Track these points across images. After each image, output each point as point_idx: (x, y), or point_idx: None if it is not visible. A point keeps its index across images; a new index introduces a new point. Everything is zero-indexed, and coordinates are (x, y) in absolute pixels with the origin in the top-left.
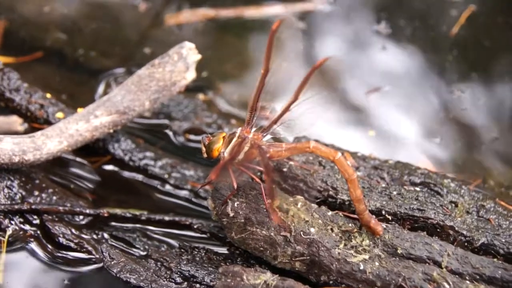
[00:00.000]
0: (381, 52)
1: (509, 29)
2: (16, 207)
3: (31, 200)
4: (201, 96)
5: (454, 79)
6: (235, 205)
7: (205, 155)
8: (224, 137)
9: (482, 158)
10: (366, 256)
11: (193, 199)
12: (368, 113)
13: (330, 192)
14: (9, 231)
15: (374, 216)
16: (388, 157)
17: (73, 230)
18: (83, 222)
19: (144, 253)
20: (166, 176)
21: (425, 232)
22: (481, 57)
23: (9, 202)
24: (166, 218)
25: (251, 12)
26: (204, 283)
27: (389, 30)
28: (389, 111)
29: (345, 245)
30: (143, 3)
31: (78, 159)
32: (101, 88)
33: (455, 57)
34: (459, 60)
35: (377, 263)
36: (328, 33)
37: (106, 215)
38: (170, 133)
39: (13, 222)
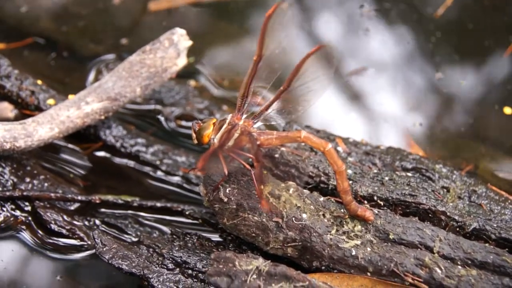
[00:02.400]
0: (365, 35)
1: (494, 11)
2: (7, 193)
3: (22, 187)
4: (192, 82)
5: (436, 61)
6: (227, 191)
7: (195, 141)
8: (214, 123)
9: (462, 140)
10: (358, 242)
11: (185, 185)
12: (350, 95)
13: (322, 178)
14: (0, 218)
15: (365, 204)
16: (369, 139)
17: (65, 217)
18: (75, 209)
19: (136, 239)
20: (157, 162)
21: (417, 218)
22: (464, 39)
23: (0, 189)
24: (158, 204)
25: None
26: (196, 269)
27: (374, 12)
28: (371, 93)
29: (337, 230)
30: None
31: (69, 145)
32: (92, 75)
33: (438, 39)
34: (442, 42)
35: (369, 249)
36: (311, 15)
37: (97, 201)
38: (162, 119)
39: (4, 209)
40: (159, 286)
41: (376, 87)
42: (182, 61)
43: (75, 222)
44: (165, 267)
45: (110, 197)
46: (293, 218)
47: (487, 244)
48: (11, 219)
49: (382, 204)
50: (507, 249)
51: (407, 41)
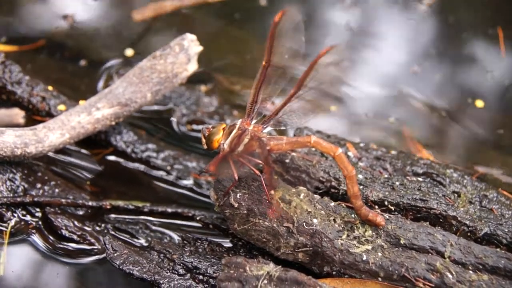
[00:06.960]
0: (345, 28)
1: (484, 8)
2: (18, 199)
3: (33, 193)
4: (202, 88)
5: (413, 54)
6: (238, 196)
7: (205, 146)
8: (224, 129)
9: (431, 136)
10: (369, 247)
11: (196, 190)
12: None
13: (333, 183)
14: (11, 223)
15: (376, 209)
16: (348, 134)
17: (76, 222)
18: (86, 214)
19: (147, 244)
20: (168, 167)
21: (427, 223)
22: (443, 34)
23: (11, 195)
24: (169, 209)
25: None
26: (207, 274)
27: (354, 3)
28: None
29: (347, 235)
30: (70, 17)
31: (80, 151)
32: (102, 80)
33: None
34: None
35: (380, 254)
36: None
37: (108, 207)
38: (173, 124)
39: (15, 215)
40: None
41: (348, 78)
42: (192, 67)
43: (86, 228)
44: (176, 272)
45: (120, 203)
46: (304, 223)
47: (498, 249)
48: (22, 224)
49: (393, 209)
50: None
51: (385, 34)
